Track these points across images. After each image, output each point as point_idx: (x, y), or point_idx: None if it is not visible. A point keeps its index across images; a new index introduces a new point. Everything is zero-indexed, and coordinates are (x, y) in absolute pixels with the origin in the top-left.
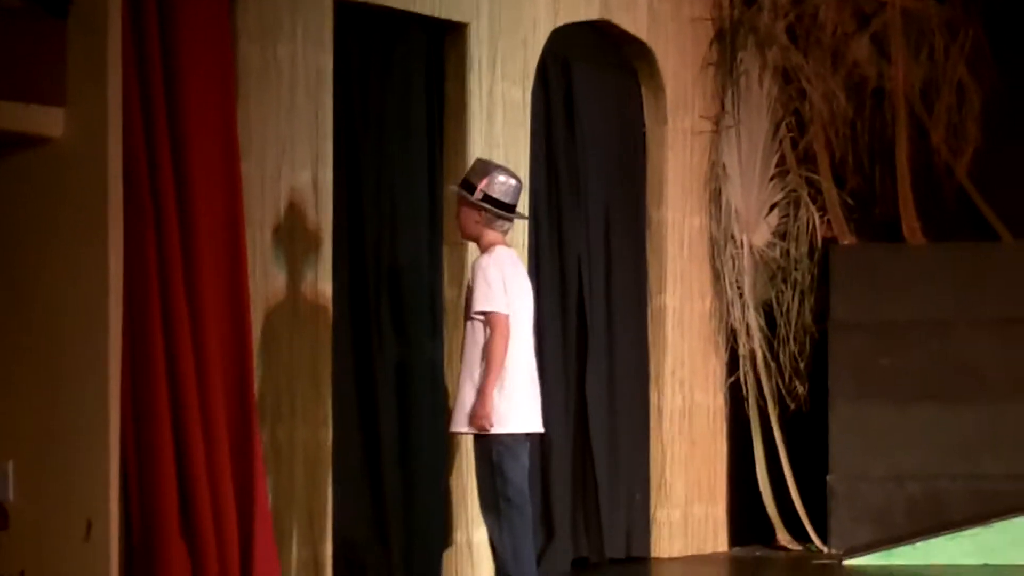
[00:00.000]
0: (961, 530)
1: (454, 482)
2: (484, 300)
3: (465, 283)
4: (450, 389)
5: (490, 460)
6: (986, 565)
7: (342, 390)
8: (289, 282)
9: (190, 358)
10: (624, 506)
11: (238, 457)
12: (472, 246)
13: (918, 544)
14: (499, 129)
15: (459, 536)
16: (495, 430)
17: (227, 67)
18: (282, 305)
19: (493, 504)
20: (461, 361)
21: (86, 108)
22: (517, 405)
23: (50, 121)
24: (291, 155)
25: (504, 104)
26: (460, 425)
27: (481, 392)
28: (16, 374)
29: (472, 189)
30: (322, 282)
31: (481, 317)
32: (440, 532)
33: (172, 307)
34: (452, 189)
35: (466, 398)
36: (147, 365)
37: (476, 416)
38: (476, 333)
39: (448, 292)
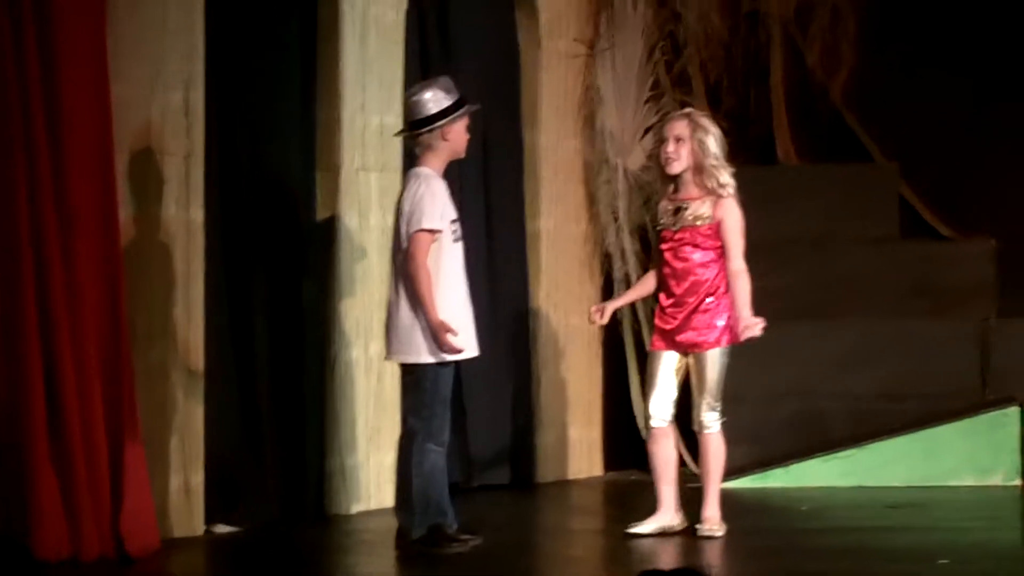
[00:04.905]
0: (835, 451)
1: (329, 408)
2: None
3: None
4: (329, 310)
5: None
6: (860, 486)
7: (217, 314)
8: (160, 206)
9: (60, 280)
10: (503, 431)
11: (109, 382)
12: (349, 173)
13: (791, 466)
14: (373, 50)
15: (334, 462)
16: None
17: None
18: (153, 228)
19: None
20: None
21: None
22: None
23: None
24: (162, 76)
25: (377, 25)
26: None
27: None
28: None
29: (428, 120)
30: (194, 205)
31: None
32: (316, 458)
33: (42, 229)
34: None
35: None
36: (16, 287)
37: None
38: None
39: (320, 215)
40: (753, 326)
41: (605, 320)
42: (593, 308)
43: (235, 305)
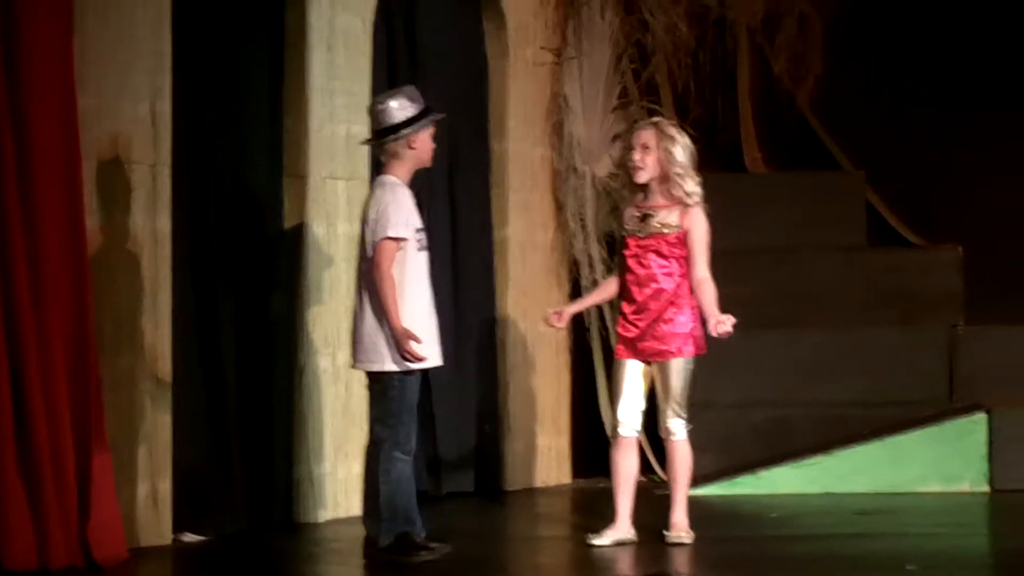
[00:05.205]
0: (804, 458)
1: (296, 416)
2: None
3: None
4: (297, 319)
5: None
6: (828, 493)
7: (184, 323)
8: (128, 215)
9: (27, 288)
10: (472, 439)
11: (76, 390)
12: (316, 181)
13: (761, 473)
14: (340, 60)
15: (301, 470)
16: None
17: None
18: (121, 237)
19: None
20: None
21: None
22: None
23: None
24: (129, 87)
25: (345, 34)
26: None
27: None
28: None
29: (394, 129)
30: (161, 214)
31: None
32: (284, 466)
33: (8, 237)
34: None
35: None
36: None
37: None
38: None
39: (288, 224)
40: (725, 321)
41: (563, 324)
42: (551, 311)
43: (203, 313)
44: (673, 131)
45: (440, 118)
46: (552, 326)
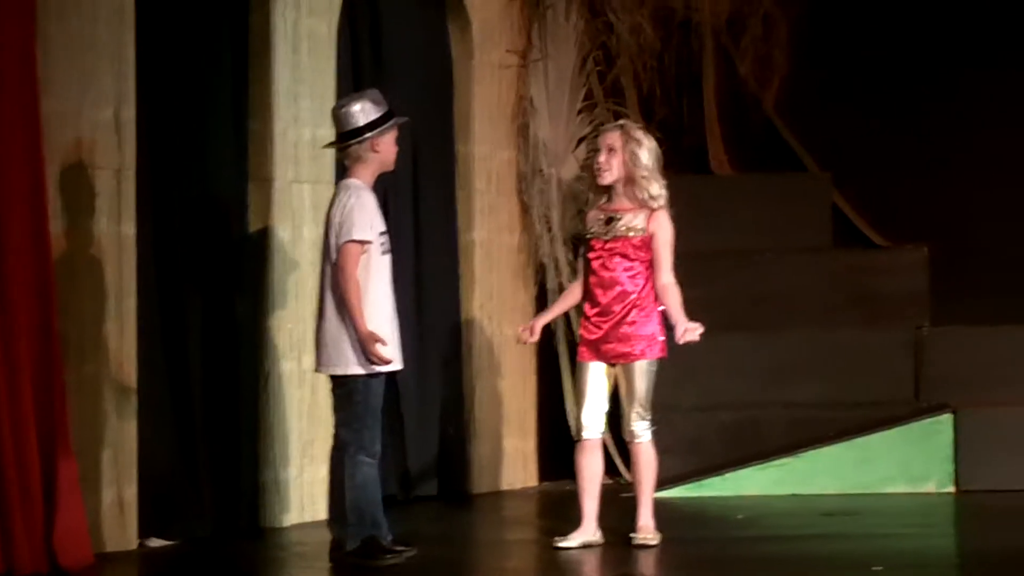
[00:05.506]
0: (771, 460)
1: (262, 421)
2: None
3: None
4: (262, 323)
5: None
6: (795, 494)
7: (149, 328)
8: (92, 220)
9: None
10: (437, 442)
11: (41, 396)
12: (282, 185)
13: (727, 475)
14: (305, 63)
15: (267, 475)
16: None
17: (26, 1)
18: (85, 243)
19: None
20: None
21: None
22: None
23: None
24: (93, 92)
25: (310, 37)
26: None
27: None
28: None
29: (357, 132)
30: (126, 219)
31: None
32: (250, 471)
33: None
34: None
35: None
36: None
37: None
38: None
39: (253, 228)
40: (693, 330)
41: (535, 338)
42: (521, 328)
43: (168, 318)
44: (639, 134)
45: (404, 121)
46: (525, 343)
